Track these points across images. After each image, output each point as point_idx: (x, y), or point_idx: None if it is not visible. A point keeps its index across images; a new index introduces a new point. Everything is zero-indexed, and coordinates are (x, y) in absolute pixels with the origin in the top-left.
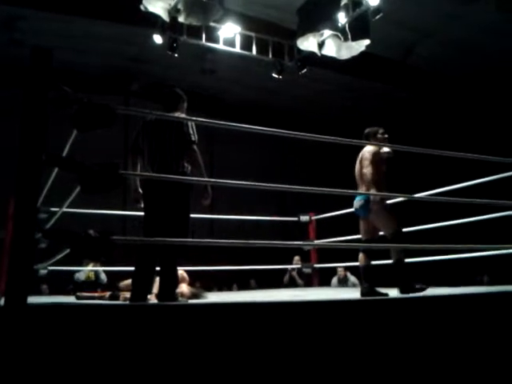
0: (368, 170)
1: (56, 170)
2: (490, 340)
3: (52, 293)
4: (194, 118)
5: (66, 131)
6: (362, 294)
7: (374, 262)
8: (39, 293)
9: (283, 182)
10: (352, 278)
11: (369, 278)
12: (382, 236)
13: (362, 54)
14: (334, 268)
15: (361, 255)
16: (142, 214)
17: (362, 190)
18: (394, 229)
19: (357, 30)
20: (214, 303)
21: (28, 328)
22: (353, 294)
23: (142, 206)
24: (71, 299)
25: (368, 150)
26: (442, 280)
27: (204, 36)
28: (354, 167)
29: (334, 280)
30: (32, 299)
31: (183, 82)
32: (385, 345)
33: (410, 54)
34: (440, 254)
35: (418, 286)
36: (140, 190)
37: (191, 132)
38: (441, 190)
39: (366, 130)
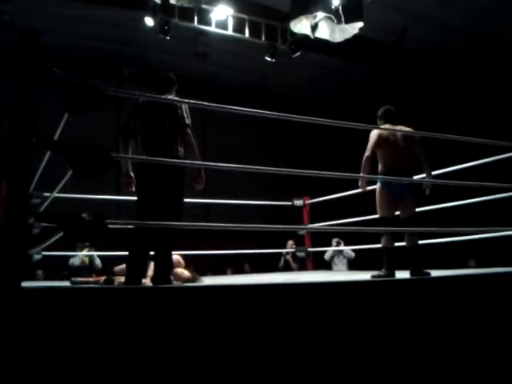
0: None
1: (48, 155)
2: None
3: (47, 278)
4: (187, 101)
5: (58, 116)
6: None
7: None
8: (34, 278)
9: (277, 166)
10: (346, 250)
11: (391, 262)
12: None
13: (355, 37)
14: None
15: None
16: (135, 199)
17: (404, 168)
18: (415, 210)
19: (350, 12)
20: (209, 286)
21: (22, 312)
22: (345, 276)
23: (133, 190)
24: (66, 284)
25: (411, 130)
26: (428, 264)
27: (196, 18)
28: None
29: (328, 253)
30: (26, 284)
31: (175, 65)
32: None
33: (403, 37)
34: (427, 237)
35: (425, 271)
36: (132, 174)
37: (185, 115)
38: (436, 173)
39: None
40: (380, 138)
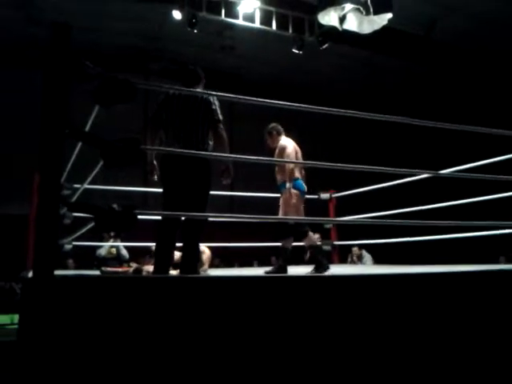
0: None
1: (78, 148)
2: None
3: (78, 268)
4: (215, 93)
5: (88, 109)
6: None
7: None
8: (65, 267)
9: (304, 159)
10: (367, 256)
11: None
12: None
13: (383, 28)
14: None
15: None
16: (161, 190)
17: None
18: None
19: (379, 3)
20: (237, 276)
21: (55, 297)
22: (369, 269)
23: (156, 178)
24: (96, 274)
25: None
26: (461, 258)
27: (223, 11)
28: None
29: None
30: (58, 273)
31: (202, 59)
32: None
33: (432, 28)
34: (458, 232)
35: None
36: (155, 163)
37: (219, 111)
38: (466, 167)
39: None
40: (295, 149)
